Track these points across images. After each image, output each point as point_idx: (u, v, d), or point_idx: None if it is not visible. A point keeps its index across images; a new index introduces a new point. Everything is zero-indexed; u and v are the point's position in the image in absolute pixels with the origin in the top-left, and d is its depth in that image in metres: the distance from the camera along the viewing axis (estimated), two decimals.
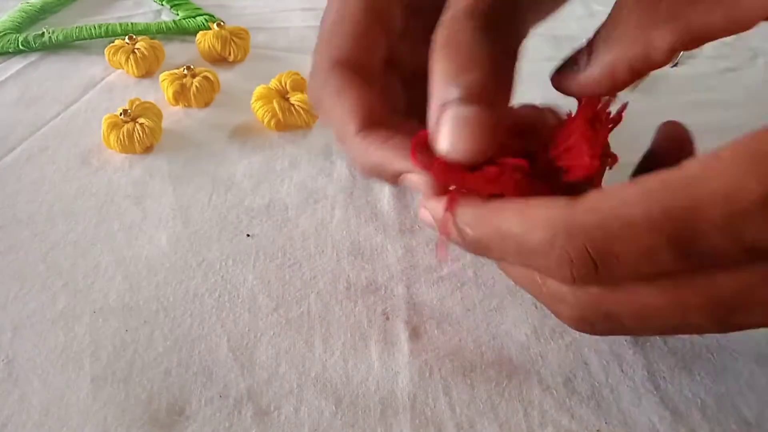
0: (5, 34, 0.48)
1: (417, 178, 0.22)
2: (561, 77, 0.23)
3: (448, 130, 0.20)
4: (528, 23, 0.24)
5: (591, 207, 0.18)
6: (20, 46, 0.48)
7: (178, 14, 0.53)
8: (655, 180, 0.17)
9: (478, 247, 0.21)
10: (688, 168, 0.17)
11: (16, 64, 0.47)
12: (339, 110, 0.24)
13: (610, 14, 0.22)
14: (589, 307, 0.21)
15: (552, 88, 0.23)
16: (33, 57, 0.48)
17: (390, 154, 0.22)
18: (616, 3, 0.22)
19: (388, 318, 0.29)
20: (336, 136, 0.25)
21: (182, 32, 0.51)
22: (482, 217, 0.20)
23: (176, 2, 0.54)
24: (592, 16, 0.51)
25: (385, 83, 0.27)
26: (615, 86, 0.22)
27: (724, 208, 0.16)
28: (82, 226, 0.33)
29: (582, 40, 0.22)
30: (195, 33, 0.49)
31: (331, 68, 0.25)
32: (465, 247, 0.22)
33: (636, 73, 0.21)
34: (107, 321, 0.28)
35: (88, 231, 0.33)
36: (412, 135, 0.22)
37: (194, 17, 0.52)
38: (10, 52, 0.48)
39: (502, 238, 0.20)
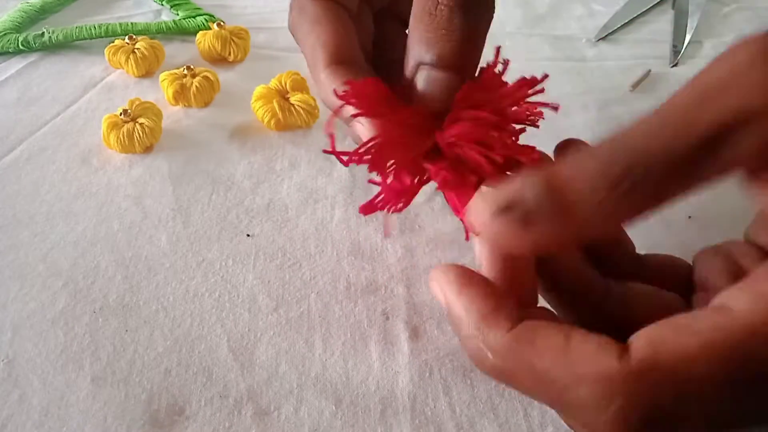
0: (5, 34, 0.48)
1: (362, 129, 0.23)
2: None
3: (420, 87, 0.22)
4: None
5: (649, 363, 0.16)
6: (20, 46, 0.48)
7: (178, 14, 0.53)
8: (712, 328, 0.16)
9: (499, 376, 0.19)
10: (745, 318, 0.16)
11: (16, 64, 0.47)
12: (312, 40, 0.24)
13: None
14: None
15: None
16: (33, 57, 0.47)
17: None
18: None
19: (388, 318, 0.29)
20: (307, 65, 0.25)
21: (182, 32, 0.51)
22: (511, 348, 0.18)
23: (176, 2, 0.54)
24: (592, 16, 0.51)
25: (359, 17, 0.27)
26: None
27: None
28: (82, 226, 0.33)
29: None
30: (195, 33, 0.49)
31: None
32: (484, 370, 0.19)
33: None
34: (107, 321, 0.28)
35: (88, 231, 0.33)
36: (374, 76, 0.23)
37: (194, 17, 0.52)
38: (10, 52, 0.48)
39: (535, 379, 0.18)
